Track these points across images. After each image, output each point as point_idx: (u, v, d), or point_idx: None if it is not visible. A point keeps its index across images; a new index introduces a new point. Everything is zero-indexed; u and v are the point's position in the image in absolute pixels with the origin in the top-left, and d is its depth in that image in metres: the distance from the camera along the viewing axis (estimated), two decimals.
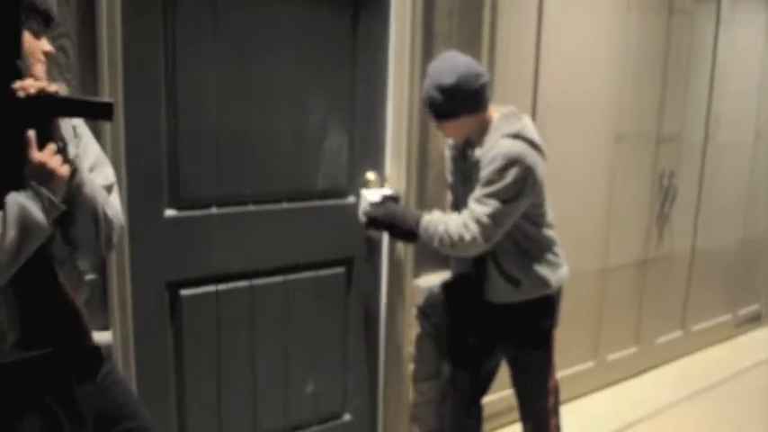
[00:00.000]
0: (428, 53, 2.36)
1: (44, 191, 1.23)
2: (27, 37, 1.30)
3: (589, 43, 3.04)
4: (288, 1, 2.15)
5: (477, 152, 2.11)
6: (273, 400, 2.35)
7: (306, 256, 2.34)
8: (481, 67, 2.10)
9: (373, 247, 2.49)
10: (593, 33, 3.05)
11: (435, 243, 2.12)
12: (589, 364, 3.44)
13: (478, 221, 2.04)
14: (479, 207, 2.04)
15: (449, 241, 2.08)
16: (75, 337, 1.41)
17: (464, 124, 2.11)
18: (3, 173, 1.23)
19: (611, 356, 3.57)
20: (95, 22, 1.75)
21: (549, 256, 2.20)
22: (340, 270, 2.44)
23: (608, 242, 3.38)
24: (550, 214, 2.21)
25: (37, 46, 1.33)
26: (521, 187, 2.03)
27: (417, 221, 2.15)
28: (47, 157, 1.24)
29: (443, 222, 2.11)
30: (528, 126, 2.11)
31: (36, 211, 1.22)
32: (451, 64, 2.05)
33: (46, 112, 1.24)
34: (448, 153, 2.35)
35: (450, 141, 2.30)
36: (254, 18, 2.09)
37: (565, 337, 2.31)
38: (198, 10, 1.99)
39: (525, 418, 2.33)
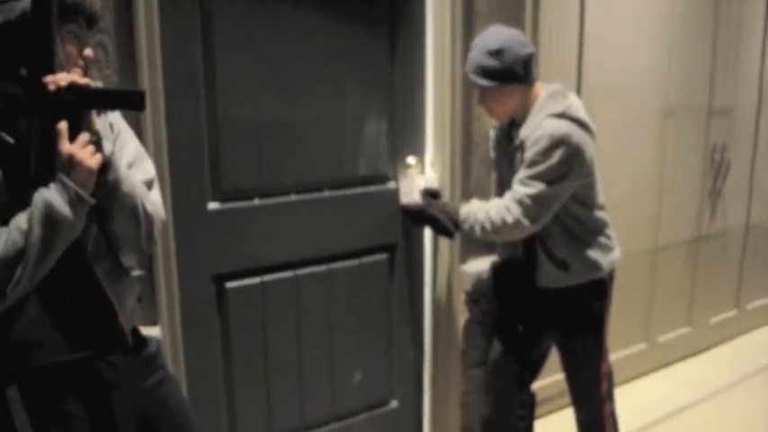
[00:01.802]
0: (469, 33, 2.30)
1: (71, 183, 1.20)
2: (67, 40, 1.28)
3: (634, 15, 2.93)
4: None
5: (522, 132, 2.04)
6: (320, 388, 2.35)
7: (348, 244, 2.32)
8: (527, 39, 2.04)
9: (415, 233, 2.45)
10: (637, 5, 2.94)
11: (478, 232, 2.07)
12: (641, 346, 3.36)
13: (521, 203, 1.98)
14: (522, 188, 1.99)
15: (491, 227, 2.03)
16: (112, 339, 1.36)
17: (511, 97, 2.03)
18: (36, 168, 1.21)
19: (663, 337, 3.48)
20: (133, 16, 1.74)
21: (600, 239, 2.13)
22: (383, 257, 2.41)
23: (659, 220, 3.28)
24: (601, 195, 2.14)
25: (75, 50, 1.30)
26: (567, 168, 1.96)
27: (456, 214, 2.11)
28: (76, 148, 1.20)
29: (484, 210, 2.05)
30: (574, 104, 2.04)
31: (62, 205, 1.19)
32: (496, 32, 2.01)
33: (77, 104, 1.21)
34: (493, 134, 2.29)
35: (495, 122, 2.24)
36: (289, 6, 2.05)
37: (615, 319, 2.24)
38: (235, 3, 1.96)
39: (578, 404, 2.28)
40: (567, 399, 2.34)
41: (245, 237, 2.10)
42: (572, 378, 2.26)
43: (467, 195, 2.39)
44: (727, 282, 3.81)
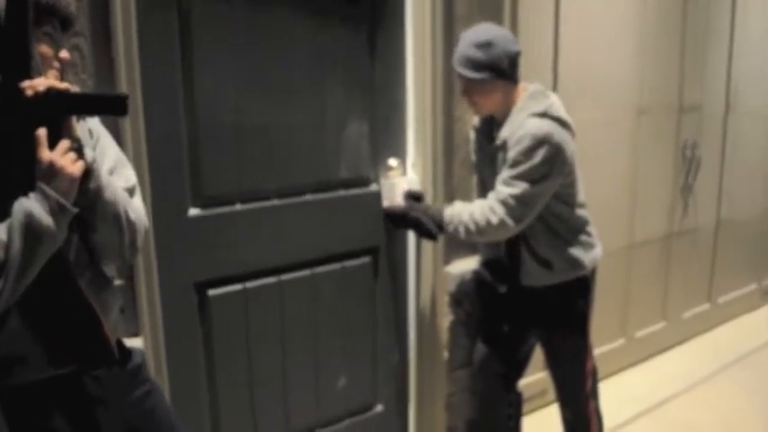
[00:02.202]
0: (449, 33, 2.30)
1: (51, 192, 1.15)
2: (42, 42, 1.23)
3: (607, 16, 2.97)
4: None
5: (504, 132, 2.04)
6: (305, 394, 2.32)
7: (332, 248, 2.29)
8: (514, 38, 2.07)
9: (398, 236, 2.44)
10: (610, 6, 2.98)
11: (462, 233, 2.07)
12: (620, 342, 3.40)
13: (505, 203, 1.98)
14: (506, 188, 1.99)
15: (475, 228, 2.03)
16: (97, 352, 1.32)
17: (495, 92, 2.04)
18: (14, 177, 1.16)
19: (640, 332, 3.53)
20: (110, 18, 1.69)
21: (582, 237, 2.14)
22: (366, 260, 2.39)
23: (633, 217, 3.33)
24: (582, 193, 2.15)
25: (51, 52, 1.25)
26: (549, 167, 1.97)
27: (440, 217, 2.10)
28: (56, 155, 1.15)
29: (467, 211, 2.05)
30: (555, 104, 2.05)
31: (43, 215, 1.14)
32: (485, 27, 2.04)
33: (56, 110, 1.16)
34: (473, 135, 2.29)
35: (475, 122, 2.24)
36: (270, 9, 2.02)
37: (595, 315, 2.26)
38: (213, 4, 1.92)
39: (563, 402, 2.29)
40: (551, 396, 2.36)
41: (227, 243, 2.06)
42: (557, 376, 2.28)
43: (449, 197, 2.39)
44: (699, 277, 3.88)
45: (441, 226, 2.12)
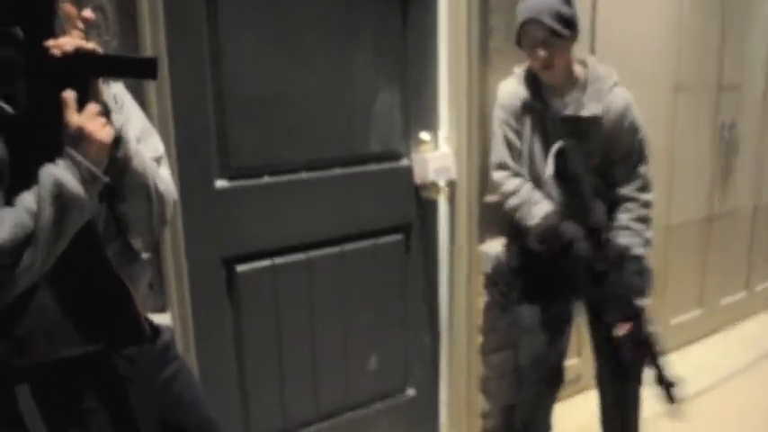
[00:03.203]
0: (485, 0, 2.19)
1: (82, 159, 1.07)
2: (65, 1, 1.13)
3: None
4: None
5: (591, 105, 1.95)
6: (334, 376, 2.25)
7: (362, 225, 2.21)
8: None
9: (431, 213, 2.35)
10: None
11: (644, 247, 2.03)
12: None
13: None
14: (643, 167, 2.04)
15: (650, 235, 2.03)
16: (129, 329, 1.25)
17: (568, 54, 1.94)
18: (40, 142, 1.08)
19: (676, 319, 3.40)
20: None
21: None
22: (398, 237, 2.31)
23: (670, 199, 3.20)
24: None
25: (74, 12, 1.16)
26: None
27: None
28: (85, 119, 1.07)
29: (640, 234, 2.01)
30: None
31: (73, 183, 1.06)
32: None
33: (84, 71, 1.08)
34: (503, 114, 2.06)
35: (502, 101, 2.07)
36: None
37: None
38: None
39: (618, 378, 2.15)
40: (584, 382, 2.24)
41: (255, 217, 1.98)
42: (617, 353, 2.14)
43: (484, 171, 2.28)
44: (737, 262, 3.74)
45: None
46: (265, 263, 2.03)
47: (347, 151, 2.15)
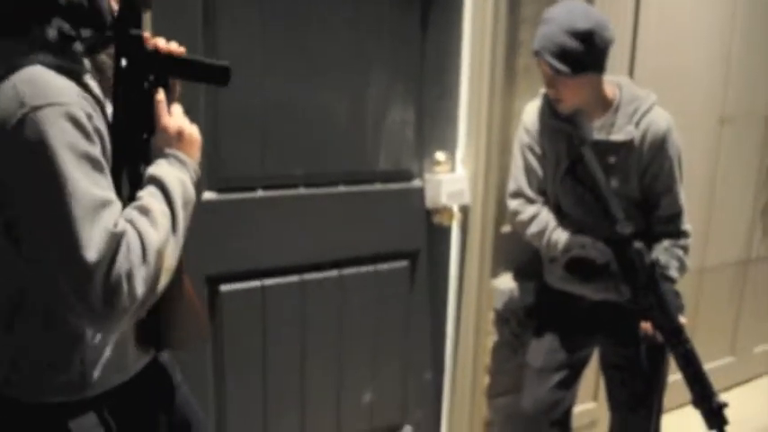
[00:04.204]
0: (514, 11, 2.02)
1: (189, 160, 1.07)
2: None
3: (692, 14, 2.65)
4: None
5: (626, 128, 1.79)
6: (325, 410, 2.07)
7: (365, 248, 2.04)
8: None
9: (441, 240, 2.16)
10: (696, 5, 2.66)
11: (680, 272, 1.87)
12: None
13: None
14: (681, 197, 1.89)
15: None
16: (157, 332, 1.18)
17: (585, 86, 1.76)
18: (129, 139, 1.05)
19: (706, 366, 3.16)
20: None
21: None
22: (403, 264, 2.13)
23: (707, 239, 2.97)
24: None
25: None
26: None
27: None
28: (182, 120, 1.09)
29: (676, 261, 1.85)
30: None
31: (190, 186, 1.06)
32: (583, 8, 1.72)
33: (170, 71, 1.09)
34: (527, 138, 1.90)
35: (527, 125, 1.91)
36: None
37: None
38: None
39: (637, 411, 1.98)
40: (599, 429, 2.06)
41: (246, 233, 1.82)
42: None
43: (501, 199, 2.09)
44: None
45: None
46: (254, 284, 1.86)
47: (352, 167, 1.98)
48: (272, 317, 1.90)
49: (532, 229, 1.89)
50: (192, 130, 1.10)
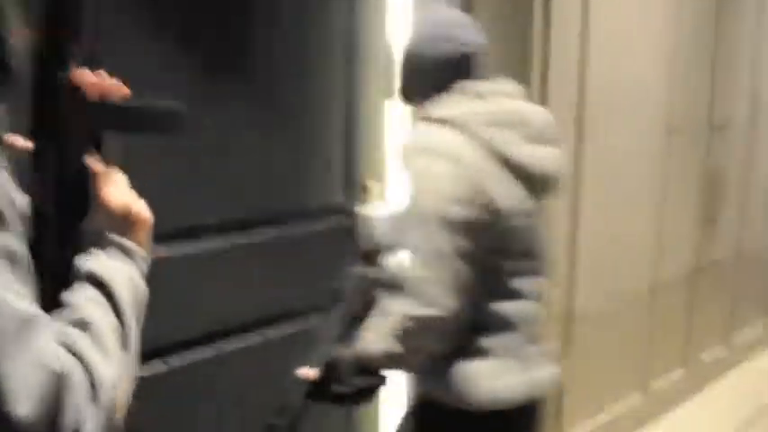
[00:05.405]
0: None
1: (138, 250, 0.82)
2: None
3: (639, 24, 2.66)
4: None
5: None
6: None
7: (292, 302, 1.77)
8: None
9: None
10: (641, 17, 2.67)
11: None
12: (635, 396, 2.93)
13: None
14: None
15: None
16: None
17: None
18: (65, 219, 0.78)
19: (658, 384, 3.07)
20: None
21: None
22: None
23: (659, 254, 2.90)
24: None
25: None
26: None
27: None
28: (127, 194, 0.82)
29: None
30: None
31: (143, 285, 0.81)
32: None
33: (98, 124, 0.80)
34: None
35: None
36: None
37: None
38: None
39: None
40: None
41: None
42: None
43: None
44: (717, 315, 3.49)
45: None
46: (158, 367, 1.52)
47: (270, 206, 1.72)
48: (180, 403, 1.56)
49: None
50: (140, 208, 0.85)
